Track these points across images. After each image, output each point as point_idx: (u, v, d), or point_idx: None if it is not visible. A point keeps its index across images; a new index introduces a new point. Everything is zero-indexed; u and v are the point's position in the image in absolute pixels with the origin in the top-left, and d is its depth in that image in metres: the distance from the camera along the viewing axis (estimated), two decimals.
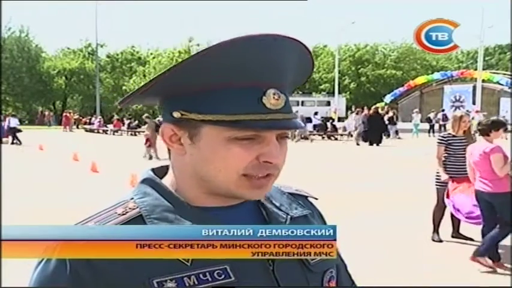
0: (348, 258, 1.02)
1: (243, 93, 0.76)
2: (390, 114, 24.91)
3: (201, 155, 0.79)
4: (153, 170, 0.89)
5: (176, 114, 0.79)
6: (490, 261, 4.40)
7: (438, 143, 5.26)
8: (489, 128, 4.46)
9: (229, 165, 0.77)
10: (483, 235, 4.54)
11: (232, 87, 0.76)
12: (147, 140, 14.25)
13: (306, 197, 0.99)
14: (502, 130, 4.54)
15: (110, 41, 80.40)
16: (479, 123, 4.70)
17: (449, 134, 5.35)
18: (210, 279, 0.75)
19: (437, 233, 5.42)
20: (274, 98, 0.77)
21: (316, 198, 1.01)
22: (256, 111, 0.76)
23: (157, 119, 15.67)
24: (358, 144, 19.60)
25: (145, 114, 16.02)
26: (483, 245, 4.42)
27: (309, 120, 23.54)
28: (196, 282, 0.74)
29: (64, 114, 33.97)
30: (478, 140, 4.73)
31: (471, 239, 5.40)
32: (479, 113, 24.44)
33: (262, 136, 0.77)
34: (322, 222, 0.98)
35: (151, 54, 48.55)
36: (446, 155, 5.21)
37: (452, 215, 5.48)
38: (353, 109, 22.50)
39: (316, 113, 25.35)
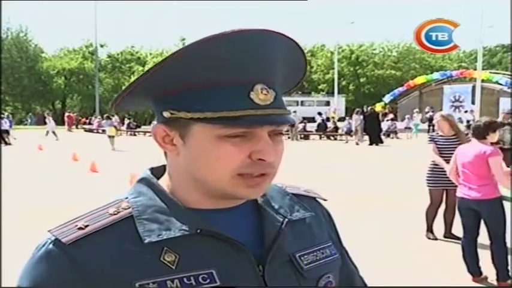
0: None
1: (230, 89, 0.74)
2: (390, 116, 25.08)
3: (193, 154, 0.77)
4: (151, 169, 0.87)
5: (166, 114, 0.77)
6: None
7: (428, 141, 5.46)
8: (486, 130, 4.07)
9: (222, 164, 0.75)
10: (463, 249, 4.23)
11: (219, 83, 0.74)
12: None
13: (314, 198, 0.97)
14: (498, 132, 4.20)
15: (109, 41, 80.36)
16: (474, 127, 4.24)
17: (437, 133, 5.56)
18: (194, 283, 0.73)
19: (432, 232, 5.52)
20: (262, 93, 0.75)
21: (325, 199, 0.99)
22: (245, 107, 0.74)
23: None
24: (357, 144, 19.65)
25: None
26: (500, 271, 3.99)
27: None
28: (179, 286, 0.72)
29: (67, 114, 34.18)
30: (472, 142, 4.30)
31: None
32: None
33: (253, 133, 0.75)
34: (330, 224, 0.97)
35: (150, 54, 48.54)
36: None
37: (444, 216, 5.50)
38: (363, 109, 22.79)
39: (320, 113, 25.62)
